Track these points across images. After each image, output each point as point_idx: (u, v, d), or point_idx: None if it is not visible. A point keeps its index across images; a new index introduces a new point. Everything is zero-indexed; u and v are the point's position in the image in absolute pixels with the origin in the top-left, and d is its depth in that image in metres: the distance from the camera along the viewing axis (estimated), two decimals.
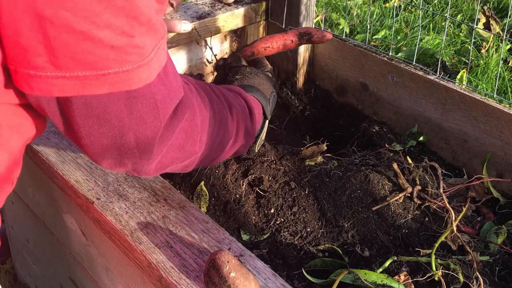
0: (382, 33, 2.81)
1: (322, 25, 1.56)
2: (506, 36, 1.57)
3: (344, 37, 1.50)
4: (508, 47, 2.68)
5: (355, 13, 2.99)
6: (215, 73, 1.50)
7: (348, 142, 1.39)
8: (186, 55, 1.50)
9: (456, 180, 1.25)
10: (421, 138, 1.37)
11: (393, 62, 1.39)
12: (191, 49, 1.49)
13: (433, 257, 0.99)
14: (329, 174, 1.15)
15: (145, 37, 0.70)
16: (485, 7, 2.81)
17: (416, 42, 2.59)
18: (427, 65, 2.48)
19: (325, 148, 1.21)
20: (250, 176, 1.15)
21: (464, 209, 1.10)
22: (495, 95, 1.29)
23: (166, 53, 0.78)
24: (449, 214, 1.06)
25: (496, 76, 1.87)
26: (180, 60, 1.49)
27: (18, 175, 0.82)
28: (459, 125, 1.30)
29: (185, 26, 1.34)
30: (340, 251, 1.06)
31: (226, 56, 1.59)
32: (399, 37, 2.76)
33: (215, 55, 1.53)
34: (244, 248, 0.89)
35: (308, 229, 1.10)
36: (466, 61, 2.57)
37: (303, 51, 1.54)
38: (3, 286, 1.66)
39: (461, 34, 2.81)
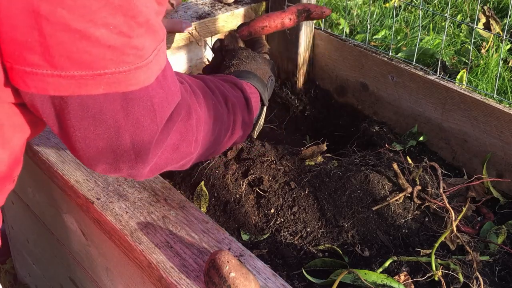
0: (382, 33, 2.81)
1: (322, 25, 1.56)
2: (506, 36, 1.57)
3: (344, 37, 1.50)
4: (508, 47, 2.68)
5: (355, 13, 2.99)
6: (212, 54, 1.49)
7: (348, 142, 1.39)
8: (186, 55, 1.50)
9: (456, 180, 1.25)
10: (421, 138, 1.37)
11: (393, 62, 1.39)
12: (191, 49, 1.49)
13: (433, 257, 0.99)
14: (329, 174, 1.15)
15: (144, 38, 0.69)
16: (485, 7, 2.81)
17: (416, 42, 2.59)
18: (427, 65, 2.48)
19: (325, 148, 1.21)
20: (250, 176, 1.15)
21: (464, 209, 1.10)
22: (495, 95, 1.29)
23: (166, 57, 0.78)
24: (449, 214, 1.06)
25: (496, 76, 1.87)
26: (180, 60, 1.49)
27: (19, 173, 0.82)
28: (459, 125, 1.30)
29: (185, 26, 1.34)
30: (340, 251, 1.06)
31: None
32: (399, 37, 2.76)
33: None
34: (244, 248, 0.89)
35: (308, 229, 1.10)
36: (466, 61, 2.57)
37: (303, 51, 1.54)
38: (3, 286, 1.66)
39: (461, 34, 2.81)
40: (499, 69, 1.69)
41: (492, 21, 2.78)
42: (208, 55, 1.53)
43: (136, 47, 0.69)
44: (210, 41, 1.50)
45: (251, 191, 1.14)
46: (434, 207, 1.12)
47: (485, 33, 2.75)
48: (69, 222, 1.14)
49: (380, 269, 1.00)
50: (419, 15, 2.82)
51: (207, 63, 1.54)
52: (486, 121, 1.25)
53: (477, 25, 2.66)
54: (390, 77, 1.41)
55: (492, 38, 2.67)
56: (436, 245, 1.01)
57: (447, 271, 0.98)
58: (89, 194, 0.98)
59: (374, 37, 2.78)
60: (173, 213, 0.95)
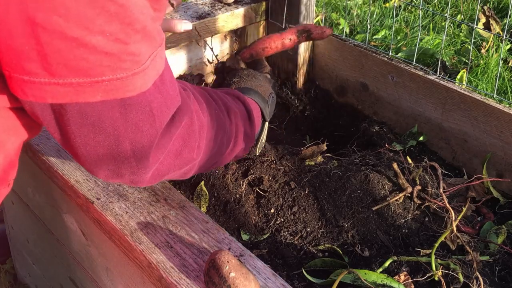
0: (382, 33, 2.81)
1: (322, 25, 1.56)
2: (506, 36, 1.57)
3: (344, 37, 1.50)
4: (508, 47, 2.68)
5: (355, 13, 2.99)
6: (215, 76, 1.49)
7: (348, 142, 1.39)
8: (186, 55, 1.50)
9: (456, 180, 1.25)
10: (421, 138, 1.37)
11: (393, 62, 1.39)
12: (191, 49, 1.49)
13: (433, 257, 0.99)
14: (329, 174, 1.15)
15: (141, 44, 0.69)
16: (485, 7, 2.81)
17: (416, 42, 2.59)
18: (427, 65, 2.48)
19: (325, 148, 1.21)
20: (250, 176, 1.15)
21: (464, 209, 1.10)
22: (495, 95, 1.29)
23: (165, 61, 0.77)
24: (449, 214, 1.06)
25: (496, 76, 1.87)
26: (180, 60, 1.49)
27: (14, 177, 0.82)
28: (459, 125, 1.30)
29: (185, 26, 1.34)
30: (340, 251, 1.06)
31: (226, 56, 1.58)
32: (399, 37, 2.76)
33: (215, 55, 1.53)
34: (244, 248, 0.89)
35: (308, 229, 1.10)
36: (466, 61, 2.57)
37: (303, 51, 1.54)
38: (3, 286, 1.66)
39: (461, 34, 2.81)
40: (499, 69, 1.69)
41: (492, 21, 2.78)
42: (208, 55, 1.53)
43: (133, 53, 0.69)
44: (210, 41, 1.50)
45: (251, 191, 1.14)
46: (434, 207, 1.12)
47: (485, 33, 2.75)
48: (69, 222, 1.14)
49: (380, 269, 1.00)
50: (419, 15, 2.82)
51: (207, 63, 1.54)
52: (486, 121, 1.25)
53: (477, 25, 2.66)
54: (390, 77, 1.41)
55: (492, 38, 2.67)
56: (436, 245, 1.01)
57: (447, 271, 0.98)
58: (89, 194, 0.98)
59: (374, 37, 2.78)
60: (173, 213, 0.95)
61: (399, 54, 2.49)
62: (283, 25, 1.50)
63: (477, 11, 1.28)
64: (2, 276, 1.69)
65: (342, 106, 1.54)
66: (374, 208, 1.10)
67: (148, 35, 0.70)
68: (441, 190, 1.10)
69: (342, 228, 1.10)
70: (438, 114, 1.33)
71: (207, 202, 1.13)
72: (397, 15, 2.95)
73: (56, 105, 0.69)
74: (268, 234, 1.09)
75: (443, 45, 2.39)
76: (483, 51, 2.65)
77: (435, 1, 3.14)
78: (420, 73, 1.35)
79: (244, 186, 1.14)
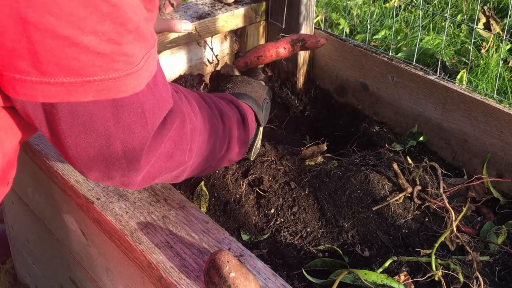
0: (382, 33, 2.81)
1: (322, 25, 1.56)
2: (506, 36, 1.57)
3: (344, 37, 1.50)
4: (508, 47, 2.68)
5: (355, 13, 2.99)
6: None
7: (348, 142, 1.39)
8: (186, 55, 1.50)
9: (456, 180, 1.25)
10: (421, 138, 1.37)
11: (393, 62, 1.39)
12: (191, 49, 1.49)
13: (433, 257, 0.99)
14: (329, 174, 1.15)
15: (134, 45, 0.69)
16: (485, 7, 2.81)
17: (416, 42, 2.59)
18: (427, 65, 2.48)
19: (325, 148, 1.21)
20: (250, 176, 1.15)
21: (464, 209, 1.10)
22: (495, 95, 1.29)
23: (157, 62, 0.77)
24: (449, 214, 1.06)
25: (496, 76, 1.87)
26: (180, 60, 1.49)
27: (14, 176, 0.82)
28: (459, 125, 1.30)
29: (185, 26, 1.34)
30: (340, 251, 1.06)
31: (226, 57, 1.59)
32: (399, 37, 2.76)
33: (215, 55, 1.53)
34: (244, 248, 0.89)
35: (308, 229, 1.10)
36: (466, 61, 2.57)
37: (303, 51, 1.54)
38: (3, 286, 1.66)
39: (461, 34, 2.81)
40: (499, 69, 1.69)
41: (492, 21, 2.78)
42: (208, 55, 1.53)
43: (126, 54, 0.68)
44: (210, 41, 1.50)
45: (251, 191, 1.14)
46: (434, 207, 1.12)
47: (485, 33, 2.75)
48: (69, 222, 1.14)
49: (380, 269, 1.00)
50: (419, 15, 2.82)
51: (207, 63, 1.54)
52: (486, 121, 1.25)
53: (477, 25, 2.66)
54: (390, 77, 1.41)
55: (492, 38, 2.67)
56: (436, 245, 1.01)
57: (447, 271, 0.98)
58: (89, 194, 0.98)
59: (374, 37, 2.78)
60: (173, 213, 0.95)
61: (399, 54, 2.49)
62: (283, 25, 1.50)
63: (477, 11, 1.28)
64: (2, 276, 1.69)
65: (342, 106, 1.54)
66: (374, 208, 1.10)
67: (141, 36, 0.70)
68: (441, 190, 1.10)
69: (342, 228, 1.10)
70: (438, 114, 1.33)
71: (207, 202, 1.13)
72: (397, 15, 2.95)
73: (47, 105, 0.68)
74: (268, 234, 1.09)
75: (443, 45, 2.39)
76: (483, 51, 2.65)
77: (435, 1, 3.14)
78: (420, 73, 1.35)
79: (244, 186, 1.14)
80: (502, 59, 2.53)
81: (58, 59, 0.64)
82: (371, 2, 3.13)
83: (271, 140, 1.32)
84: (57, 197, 1.14)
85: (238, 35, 1.59)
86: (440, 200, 1.10)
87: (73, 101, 0.67)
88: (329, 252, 1.07)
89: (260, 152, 1.19)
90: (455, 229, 1.04)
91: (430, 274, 0.98)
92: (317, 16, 2.81)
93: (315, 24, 1.55)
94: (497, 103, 1.25)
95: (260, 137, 1.18)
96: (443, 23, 2.88)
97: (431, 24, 2.86)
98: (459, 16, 3.00)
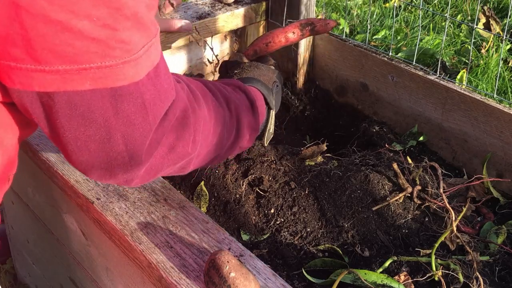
0: (382, 33, 2.81)
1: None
2: (506, 36, 1.57)
3: (344, 37, 1.50)
4: (508, 47, 2.68)
5: (355, 13, 2.99)
6: (216, 74, 1.49)
7: (348, 142, 1.39)
8: (186, 55, 1.50)
9: (456, 180, 1.25)
10: (421, 138, 1.37)
11: (393, 62, 1.39)
12: (191, 49, 1.49)
13: (433, 257, 0.99)
14: (329, 174, 1.15)
15: (131, 32, 0.67)
16: (485, 7, 2.81)
17: (416, 42, 2.59)
18: (427, 65, 2.48)
19: (325, 148, 1.21)
20: (250, 176, 1.15)
21: (464, 209, 1.10)
22: (495, 95, 1.29)
23: (160, 54, 0.76)
24: (449, 214, 1.06)
25: (496, 76, 1.87)
26: (180, 60, 1.49)
27: (14, 172, 0.81)
28: (459, 125, 1.30)
29: (185, 26, 1.34)
30: (340, 251, 1.06)
31: (226, 57, 1.58)
32: (399, 37, 2.76)
33: (216, 55, 1.53)
34: (244, 248, 0.89)
35: (308, 229, 1.10)
36: (466, 61, 2.57)
37: (303, 51, 1.54)
38: (3, 286, 1.66)
39: (461, 34, 2.81)
40: (499, 69, 1.69)
41: (492, 21, 2.78)
42: (208, 55, 1.53)
43: (123, 40, 0.66)
44: (210, 41, 1.50)
45: (251, 191, 1.14)
46: (434, 207, 1.12)
47: (485, 33, 2.75)
48: (69, 222, 1.14)
49: (380, 269, 1.00)
50: (419, 15, 2.82)
51: (207, 63, 1.54)
52: (486, 121, 1.25)
53: (477, 25, 2.66)
54: (390, 77, 1.41)
55: (492, 38, 2.67)
56: (436, 245, 1.01)
57: (447, 271, 0.98)
58: (89, 194, 0.98)
59: (374, 37, 2.78)
60: (173, 213, 0.95)
61: (399, 54, 2.49)
62: (283, 25, 1.50)
63: (477, 11, 1.28)
64: (2, 276, 1.69)
65: (342, 106, 1.54)
66: (374, 208, 1.10)
67: (140, 23, 0.68)
68: (441, 190, 1.10)
69: (342, 228, 1.10)
70: (438, 114, 1.33)
71: (207, 202, 1.13)
72: (397, 15, 2.95)
73: (44, 96, 0.67)
74: (268, 234, 1.09)
75: (443, 45, 2.39)
76: (483, 51, 2.65)
77: (435, 1, 3.14)
78: (420, 73, 1.35)
79: (244, 186, 1.14)
80: (502, 59, 2.53)
81: (52, 45, 0.62)
82: (371, 2, 3.13)
83: (271, 140, 1.32)
84: (57, 197, 1.14)
85: (238, 35, 1.59)
86: (440, 200, 1.10)
87: (70, 90, 0.66)
88: (329, 252, 1.07)
89: (260, 152, 1.19)
90: (455, 229, 1.04)
91: (430, 274, 0.98)
92: (317, 16, 2.81)
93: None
94: (497, 103, 1.25)
95: (273, 122, 1.15)
96: (443, 23, 2.88)
97: (431, 24, 2.86)
98: (459, 16, 3.00)
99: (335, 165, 1.19)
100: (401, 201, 1.12)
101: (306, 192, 1.13)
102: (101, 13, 0.63)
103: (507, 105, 1.25)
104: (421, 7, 1.45)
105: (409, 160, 1.19)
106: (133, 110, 0.71)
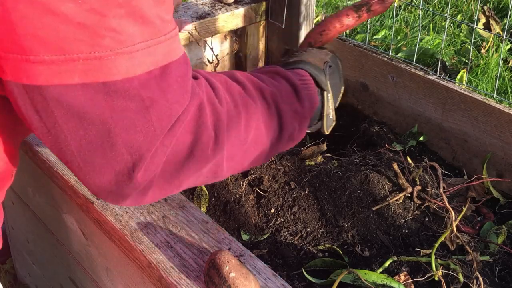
0: (382, 33, 2.81)
1: None
2: (506, 36, 1.57)
3: (344, 37, 1.50)
4: (508, 47, 2.68)
5: None
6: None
7: (348, 142, 1.39)
8: (186, 55, 1.49)
9: (456, 180, 1.25)
10: (421, 138, 1.37)
11: (393, 62, 1.39)
12: (191, 49, 1.49)
13: (433, 257, 0.99)
14: (329, 174, 1.15)
15: (124, 21, 0.61)
16: (485, 7, 2.81)
17: (416, 42, 2.59)
18: (427, 65, 2.48)
19: (325, 148, 1.21)
20: (250, 176, 1.15)
21: (464, 209, 1.10)
22: (495, 95, 1.29)
23: (177, 55, 0.68)
24: (449, 214, 1.06)
25: (496, 76, 1.87)
26: None
27: (16, 168, 0.81)
28: (459, 125, 1.30)
29: (185, 26, 1.34)
30: (340, 251, 1.06)
31: (226, 57, 1.58)
32: (399, 37, 2.76)
33: (216, 55, 1.53)
34: (244, 248, 0.89)
35: (308, 229, 1.10)
36: (466, 61, 2.57)
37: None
38: (3, 286, 1.66)
39: (461, 34, 2.81)
40: (499, 69, 1.69)
41: (492, 21, 2.78)
42: (208, 55, 1.53)
43: (114, 29, 0.60)
44: (210, 41, 1.50)
45: (251, 191, 1.14)
46: (434, 207, 1.12)
47: (485, 33, 2.75)
48: (69, 222, 1.14)
49: (380, 269, 1.00)
50: (419, 15, 2.82)
51: (207, 63, 1.54)
52: (486, 121, 1.25)
53: (477, 25, 2.66)
54: (390, 77, 1.41)
55: (492, 38, 2.67)
56: (436, 245, 1.01)
57: (447, 271, 0.98)
58: (89, 194, 0.98)
59: (374, 37, 2.78)
60: (173, 213, 0.95)
61: (399, 54, 2.49)
62: (283, 25, 1.50)
63: (477, 11, 1.28)
64: (2, 276, 1.69)
65: (342, 106, 1.53)
66: (374, 208, 1.10)
67: (138, 15, 0.62)
68: (441, 190, 1.10)
69: (342, 228, 1.10)
70: (438, 114, 1.33)
71: (207, 202, 1.13)
72: (397, 15, 2.95)
73: (35, 92, 0.62)
74: (268, 234, 1.09)
75: (443, 45, 2.39)
76: (483, 51, 2.65)
77: (435, 1, 3.14)
78: (420, 73, 1.35)
79: (244, 186, 1.14)
80: (502, 59, 2.53)
81: (35, 29, 0.58)
82: None
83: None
84: (57, 197, 1.14)
85: (238, 35, 1.59)
86: (440, 200, 1.10)
87: (57, 83, 0.60)
88: (329, 252, 1.07)
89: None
90: (455, 229, 1.04)
91: (430, 274, 0.98)
92: (317, 16, 2.81)
93: (315, 24, 1.55)
94: (497, 103, 1.25)
95: (331, 106, 1.01)
96: (443, 23, 2.88)
97: (431, 24, 2.86)
98: (459, 16, 3.00)
99: (335, 165, 1.19)
100: (401, 201, 1.12)
101: (306, 192, 1.13)
102: None
103: (507, 105, 1.25)
104: (421, 7, 1.46)
105: (409, 160, 1.19)
106: (131, 108, 0.64)
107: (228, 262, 0.78)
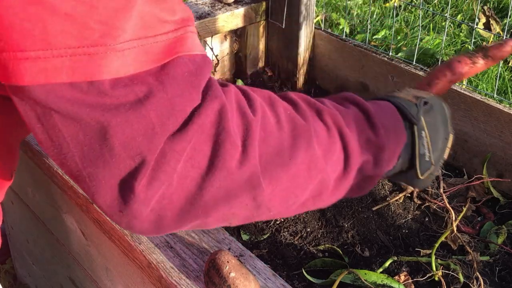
0: (382, 33, 2.81)
1: (322, 25, 1.56)
2: (506, 36, 1.57)
3: (344, 37, 1.50)
4: None
5: (355, 13, 2.99)
6: (215, 74, 1.48)
7: None
8: None
9: (456, 180, 1.25)
10: None
11: (393, 62, 1.39)
12: None
13: (433, 257, 0.99)
14: None
15: (116, 15, 0.56)
16: (485, 7, 2.81)
17: (416, 42, 2.59)
18: (427, 65, 2.48)
19: None
20: None
21: (464, 209, 1.10)
22: (495, 95, 1.29)
23: (193, 58, 0.62)
24: (449, 214, 1.06)
25: (496, 76, 1.87)
26: None
27: (15, 168, 0.81)
28: (459, 125, 1.30)
29: None
30: (340, 251, 1.06)
31: (226, 57, 1.58)
32: (399, 37, 2.76)
33: (215, 55, 1.52)
34: (244, 248, 0.89)
35: (308, 229, 1.10)
36: None
37: (303, 51, 1.54)
38: (3, 286, 1.66)
39: (461, 34, 2.81)
40: (499, 69, 1.69)
41: (492, 21, 2.78)
42: (208, 55, 1.53)
43: (105, 22, 0.55)
44: (210, 41, 1.50)
45: None
46: (434, 207, 1.12)
47: (485, 33, 2.75)
48: (69, 222, 1.14)
49: (380, 269, 1.00)
50: (419, 15, 2.82)
51: None
52: (486, 121, 1.25)
53: (477, 25, 2.66)
54: (391, 77, 1.40)
55: (492, 38, 2.67)
56: (436, 245, 1.01)
57: (447, 271, 0.98)
58: None
59: (374, 37, 2.78)
60: None
61: (399, 54, 2.49)
62: (283, 25, 1.50)
63: (477, 11, 1.28)
64: (2, 276, 1.69)
65: None
66: (374, 208, 1.10)
67: (129, 9, 0.57)
68: (441, 190, 1.10)
69: (342, 228, 1.10)
70: None
71: None
72: (397, 15, 2.95)
73: (25, 93, 0.57)
74: (268, 234, 1.09)
75: (443, 45, 2.39)
76: None
77: (435, 1, 3.14)
78: (421, 73, 1.35)
79: None
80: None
81: (20, 20, 0.54)
82: (371, 2, 3.13)
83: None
84: (57, 197, 1.14)
85: (238, 35, 1.59)
86: (440, 200, 1.10)
87: (45, 82, 0.55)
88: (329, 252, 1.07)
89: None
90: (455, 229, 1.03)
91: (430, 274, 0.98)
92: (317, 16, 2.81)
93: (315, 24, 1.55)
94: (497, 103, 1.25)
95: (426, 145, 0.83)
96: (443, 23, 2.88)
97: (431, 24, 2.86)
98: (459, 16, 3.00)
99: None
100: (401, 201, 1.12)
101: None
102: None
103: (507, 105, 1.25)
104: (421, 7, 1.46)
105: None
106: (124, 105, 0.58)
107: (228, 262, 0.78)
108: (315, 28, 1.54)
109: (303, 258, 1.06)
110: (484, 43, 2.70)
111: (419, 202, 1.12)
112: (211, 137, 0.62)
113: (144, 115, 0.58)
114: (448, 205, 1.07)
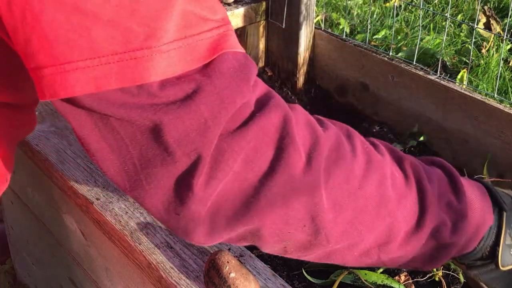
0: (383, 33, 2.81)
1: (323, 25, 1.56)
2: (506, 36, 1.57)
3: (344, 37, 1.49)
4: (508, 47, 2.68)
5: (355, 13, 2.99)
6: None
7: None
8: None
9: None
10: (421, 138, 1.37)
11: (393, 62, 1.39)
12: None
13: None
14: None
15: (159, 15, 0.56)
16: (486, 7, 2.81)
17: (417, 42, 2.59)
18: (427, 65, 2.48)
19: None
20: None
21: None
22: (495, 95, 1.29)
23: (236, 56, 0.62)
24: None
25: (497, 76, 1.87)
26: None
27: (11, 173, 0.81)
28: (460, 125, 1.30)
29: None
30: None
31: None
32: (399, 37, 2.76)
33: None
34: (244, 248, 0.89)
35: None
36: (467, 61, 2.57)
37: (303, 51, 1.54)
38: (3, 286, 1.66)
39: (461, 34, 2.81)
40: (500, 69, 1.69)
41: (492, 21, 2.78)
42: None
43: (147, 24, 0.55)
44: None
45: None
46: None
47: (485, 33, 2.75)
48: (69, 222, 1.14)
49: (381, 269, 1.00)
50: (419, 15, 2.82)
51: None
52: (487, 121, 1.25)
53: (477, 25, 2.66)
54: (391, 77, 1.40)
55: (493, 38, 2.67)
56: None
57: (447, 272, 0.98)
58: (88, 194, 0.98)
59: (375, 37, 2.78)
60: None
61: (400, 54, 2.49)
62: (283, 25, 1.50)
63: (478, 11, 1.28)
64: (2, 276, 1.69)
65: (342, 106, 1.53)
66: None
67: (172, 10, 0.57)
68: None
69: None
70: (439, 114, 1.33)
71: None
72: (397, 15, 2.95)
73: (84, 108, 0.58)
74: None
75: (443, 45, 2.39)
76: (483, 51, 2.64)
77: (436, 1, 3.14)
78: (421, 73, 1.34)
79: None
80: (502, 59, 2.53)
81: (65, 31, 0.53)
82: (371, 1, 3.13)
83: None
84: (57, 197, 1.14)
85: (238, 35, 1.59)
86: None
87: (95, 90, 0.55)
88: None
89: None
90: None
91: (430, 275, 0.97)
92: (317, 16, 2.81)
93: (315, 24, 1.55)
94: (497, 103, 1.25)
95: (506, 235, 0.76)
96: (444, 23, 2.88)
97: (431, 24, 2.86)
98: (459, 16, 3.00)
99: None
100: None
101: None
102: None
103: (508, 105, 1.25)
104: (421, 7, 1.45)
105: None
106: (174, 103, 0.59)
107: (228, 262, 0.78)
108: (315, 28, 1.54)
109: None
110: (485, 43, 2.70)
111: None
112: (275, 141, 0.62)
113: (194, 110, 0.58)
114: None
